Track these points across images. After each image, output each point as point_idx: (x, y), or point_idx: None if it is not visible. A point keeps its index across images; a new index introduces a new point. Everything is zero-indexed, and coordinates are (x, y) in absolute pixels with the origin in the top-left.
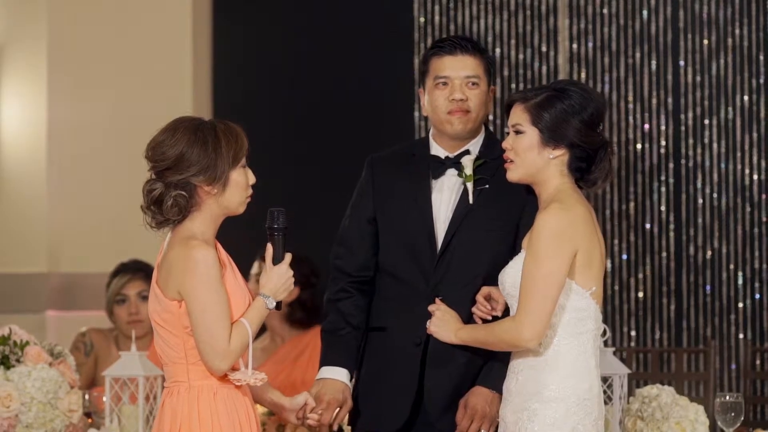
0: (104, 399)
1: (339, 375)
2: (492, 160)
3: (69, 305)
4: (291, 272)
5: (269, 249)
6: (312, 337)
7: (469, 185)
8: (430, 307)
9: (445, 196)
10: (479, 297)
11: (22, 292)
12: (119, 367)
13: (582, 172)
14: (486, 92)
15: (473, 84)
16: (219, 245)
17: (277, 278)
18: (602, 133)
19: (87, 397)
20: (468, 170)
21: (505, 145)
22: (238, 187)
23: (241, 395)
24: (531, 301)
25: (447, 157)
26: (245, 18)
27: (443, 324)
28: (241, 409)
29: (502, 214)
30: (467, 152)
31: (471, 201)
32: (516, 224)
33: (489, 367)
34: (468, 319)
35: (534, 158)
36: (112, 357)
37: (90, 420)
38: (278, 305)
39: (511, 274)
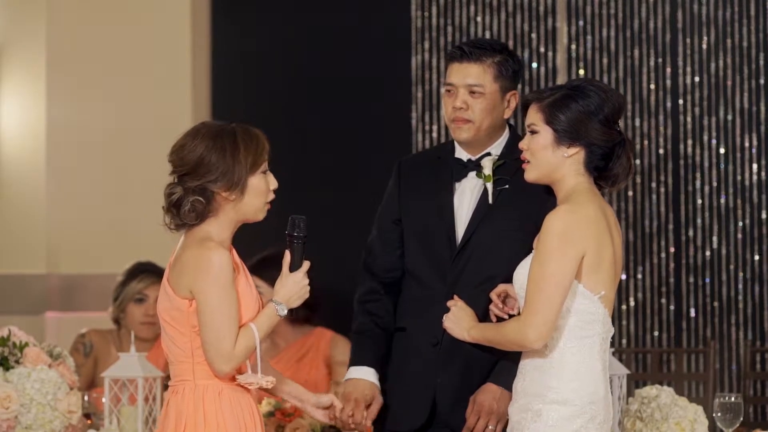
0: (103, 400)
1: (365, 374)
2: (513, 160)
3: (68, 306)
4: (307, 280)
5: (287, 256)
6: (315, 339)
7: (489, 186)
8: (449, 303)
9: (467, 197)
10: (493, 295)
11: (21, 294)
12: (118, 368)
13: (600, 170)
14: (493, 98)
15: (476, 93)
16: (234, 251)
17: (292, 285)
18: (620, 129)
19: (86, 398)
20: (487, 170)
21: (521, 145)
22: (258, 193)
23: (245, 395)
24: (536, 302)
25: (469, 160)
26: (244, 18)
27: (457, 321)
28: (245, 408)
29: (522, 215)
30: (489, 155)
31: (490, 201)
32: (535, 224)
33: (501, 365)
34: (484, 318)
35: (548, 157)
36: (111, 358)
37: (89, 421)
38: (290, 312)
39: (521, 274)
